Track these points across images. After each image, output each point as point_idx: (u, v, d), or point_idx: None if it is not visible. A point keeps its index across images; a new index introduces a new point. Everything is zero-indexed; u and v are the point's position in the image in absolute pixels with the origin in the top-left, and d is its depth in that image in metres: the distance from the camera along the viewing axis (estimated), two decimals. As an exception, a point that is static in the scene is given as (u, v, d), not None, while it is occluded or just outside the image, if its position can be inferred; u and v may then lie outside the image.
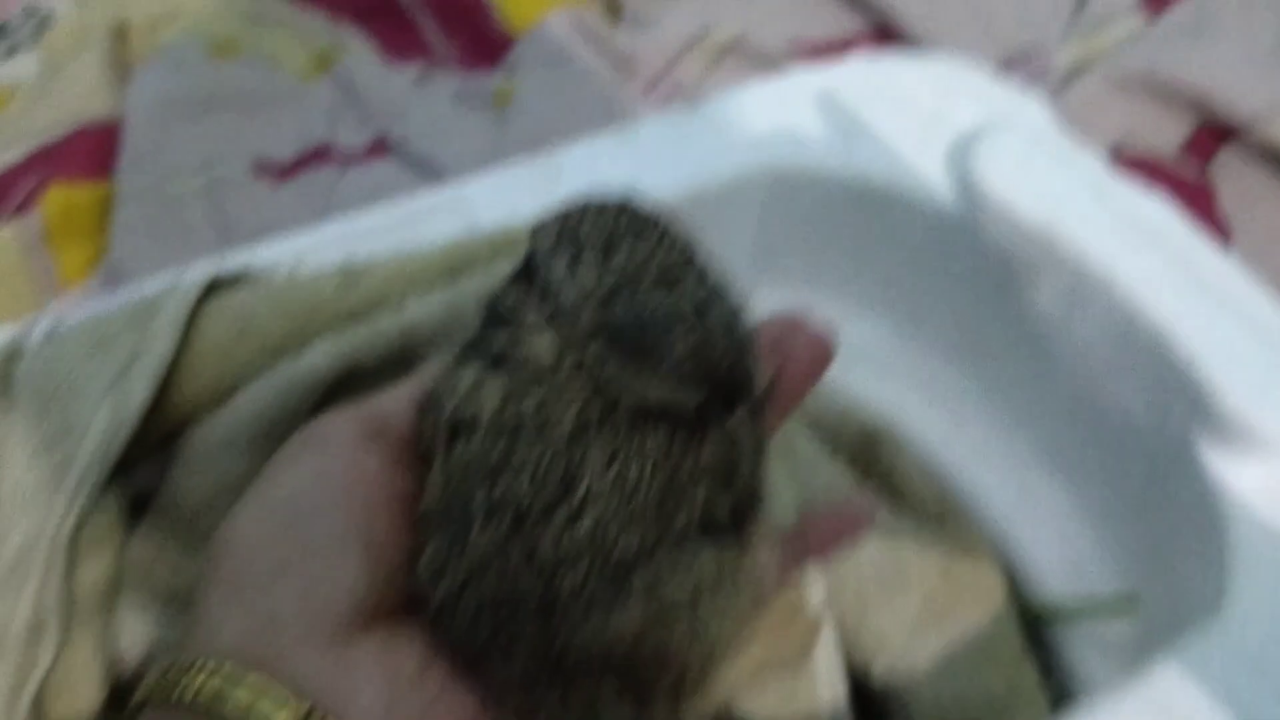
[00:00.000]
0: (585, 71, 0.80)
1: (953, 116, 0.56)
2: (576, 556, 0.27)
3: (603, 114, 0.76)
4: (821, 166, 0.54)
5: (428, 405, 0.30)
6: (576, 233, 0.30)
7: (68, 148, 0.75)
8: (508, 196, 0.52)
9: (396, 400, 0.31)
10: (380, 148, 0.77)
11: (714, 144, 0.55)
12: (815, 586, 0.44)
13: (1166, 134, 0.74)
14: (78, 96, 0.78)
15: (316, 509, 0.28)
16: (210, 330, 0.38)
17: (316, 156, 0.76)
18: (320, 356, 0.37)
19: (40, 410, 0.38)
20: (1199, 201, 0.71)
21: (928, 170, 0.54)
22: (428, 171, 0.73)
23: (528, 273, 0.30)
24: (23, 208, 0.72)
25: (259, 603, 0.27)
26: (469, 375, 0.29)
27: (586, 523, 0.27)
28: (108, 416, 0.38)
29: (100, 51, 0.81)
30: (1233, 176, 0.73)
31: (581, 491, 0.27)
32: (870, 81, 0.57)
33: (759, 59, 0.80)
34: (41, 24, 0.94)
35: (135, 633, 0.38)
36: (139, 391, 0.38)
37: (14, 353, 0.41)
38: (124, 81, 0.80)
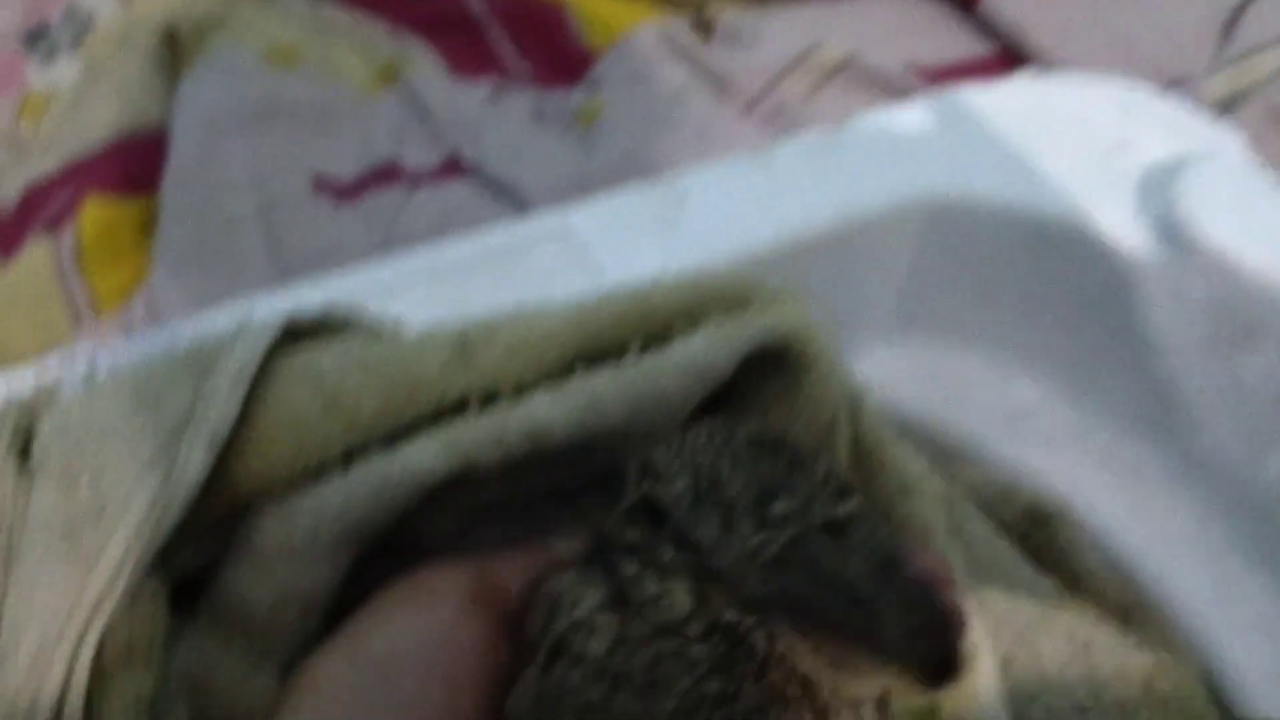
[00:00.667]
0: (678, 90, 0.72)
1: (1139, 147, 0.48)
2: None
3: (698, 137, 0.68)
4: (986, 199, 0.46)
5: (540, 602, 0.27)
6: (715, 475, 0.26)
7: (107, 159, 0.68)
8: (624, 230, 0.44)
9: (513, 569, 0.30)
10: (452, 168, 0.70)
11: (861, 172, 0.47)
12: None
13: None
14: (120, 104, 0.70)
15: (412, 672, 0.27)
16: (285, 395, 0.30)
17: (383, 176, 0.69)
18: (430, 455, 0.29)
19: (68, 482, 0.30)
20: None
21: (1114, 207, 0.46)
22: (506, 195, 0.65)
23: (649, 513, 0.26)
24: (56, 224, 0.65)
25: None
26: (589, 600, 0.26)
27: None
28: (151, 494, 0.30)
29: (146, 56, 0.74)
30: None
31: None
32: (1041, 104, 0.49)
33: (872, 82, 0.72)
34: (83, 27, 0.87)
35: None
36: (194, 464, 0.30)
37: (38, 405, 0.33)
38: (171, 89, 0.73)
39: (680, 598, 0.25)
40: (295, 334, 0.34)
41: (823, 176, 0.47)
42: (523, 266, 0.42)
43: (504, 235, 0.43)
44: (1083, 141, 0.48)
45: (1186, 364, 0.45)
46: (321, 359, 0.31)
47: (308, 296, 0.41)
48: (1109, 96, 0.50)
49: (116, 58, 0.75)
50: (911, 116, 0.49)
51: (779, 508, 0.25)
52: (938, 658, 0.23)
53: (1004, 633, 0.40)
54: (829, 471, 0.27)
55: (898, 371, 0.50)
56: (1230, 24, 0.73)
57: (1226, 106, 0.69)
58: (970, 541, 0.42)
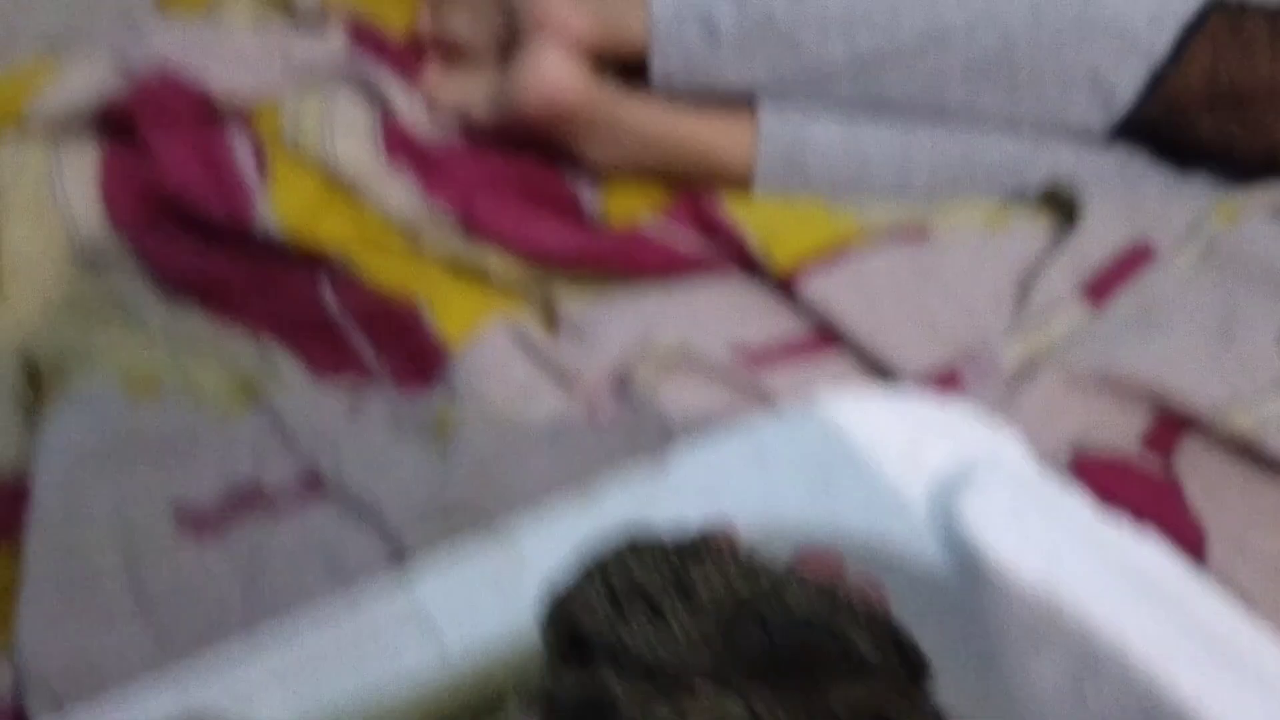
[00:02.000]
0: (527, 389, 0.77)
1: (927, 461, 0.54)
2: None
3: (551, 445, 0.72)
4: (798, 530, 0.51)
5: None
6: (630, 582, 0.29)
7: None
8: (467, 596, 0.47)
9: None
10: (313, 484, 0.73)
11: (682, 511, 0.51)
12: None
13: (1125, 429, 0.73)
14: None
15: None
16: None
17: (244, 502, 0.71)
18: None
19: None
20: (1169, 500, 0.70)
21: (909, 522, 0.51)
22: (367, 518, 0.68)
23: (577, 652, 0.29)
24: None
25: None
26: None
27: None
28: None
29: (6, 397, 0.76)
30: (1198, 468, 0.72)
31: None
32: (838, 427, 0.55)
33: (707, 368, 0.78)
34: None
35: None
36: None
37: None
38: (31, 428, 0.75)
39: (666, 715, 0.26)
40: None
41: (650, 512, 0.51)
42: (373, 647, 0.45)
43: (352, 619, 0.46)
44: (871, 464, 0.54)
45: (987, 674, 0.49)
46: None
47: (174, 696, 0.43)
48: (895, 415, 0.56)
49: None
50: (725, 450, 0.54)
51: (701, 590, 0.28)
52: (910, 655, 0.26)
53: None
54: (721, 546, 0.30)
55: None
56: (1021, 294, 0.81)
57: (1023, 373, 0.76)
58: None
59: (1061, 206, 0.90)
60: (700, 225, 0.89)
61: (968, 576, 0.49)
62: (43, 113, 1.04)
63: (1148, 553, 0.50)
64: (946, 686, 0.51)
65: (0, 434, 0.74)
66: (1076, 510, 0.52)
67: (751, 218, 0.87)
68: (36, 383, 0.79)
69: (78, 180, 1.02)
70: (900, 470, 0.53)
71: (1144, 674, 0.45)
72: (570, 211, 1.03)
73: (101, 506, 0.69)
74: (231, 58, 1.09)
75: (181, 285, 0.94)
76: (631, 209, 0.99)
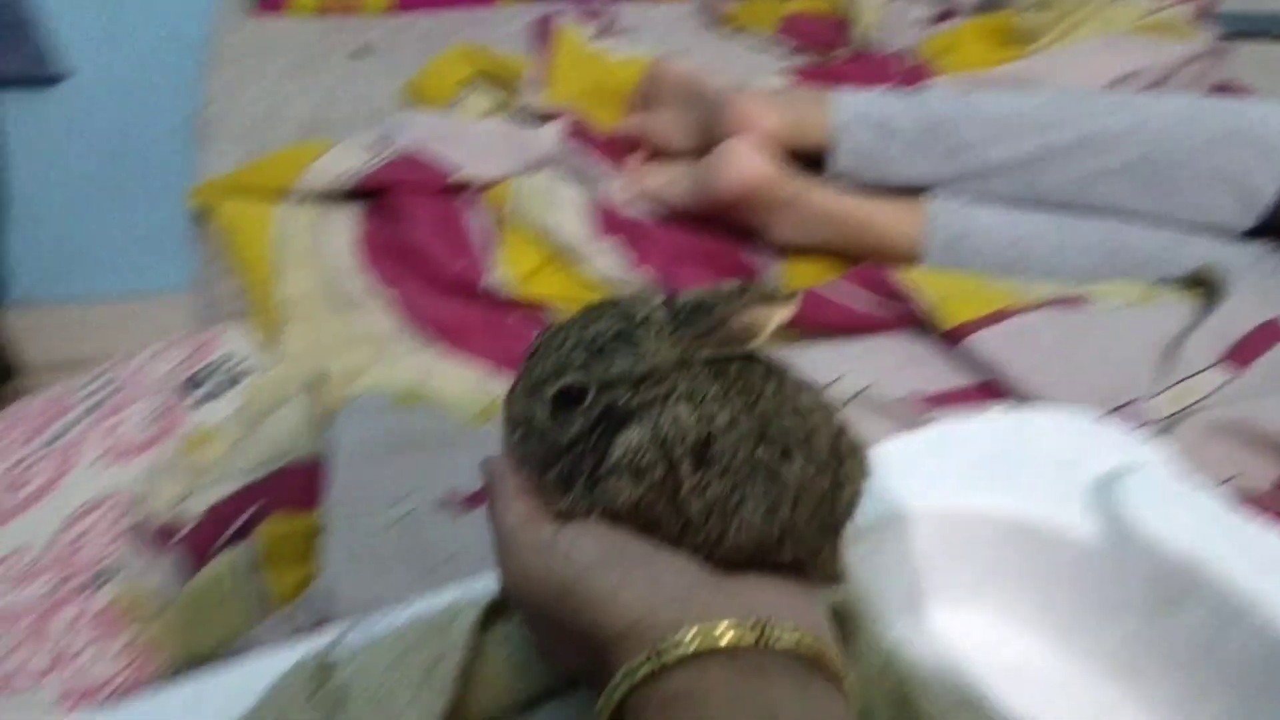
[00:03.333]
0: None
1: (1088, 462, 0.65)
2: None
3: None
4: (980, 504, 0.62)
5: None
6: (592, 334, 0.45)
7: (278, 483, 0.85)
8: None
9: None
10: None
11: (882, 486, 0.63)
12: None
13: (1260, 473, 0.82)
14: (283, 439, 0.88)
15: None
16: (492, 652, 0.46)
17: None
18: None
19: (371, 704, 0.45)
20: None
21: (1070, 509, 0.62)
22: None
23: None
24: (238, 537, 0.81)
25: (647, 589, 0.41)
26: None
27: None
28: (419, 711, 0.45)
29: (300, 402, 0.93)
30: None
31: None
32: (1013, 432, 0.66)
33: (878, 409, 0.90)
34: (235, 376, 1.07)
35: None
36: (443, 692, 0.45)
37: (326, 666, 0.49)
38: (322, 427, 0.91)
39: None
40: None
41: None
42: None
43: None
44: (1044, 459, 0.65)
45: (1134, 626, 0.59)
46: (510, 629, 0.47)
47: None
48: (1064, 424, 0.67)
49: (272, 405, 0.94)
50: (914, 442, 0.66)
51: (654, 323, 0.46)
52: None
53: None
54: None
55: (917, 637, 0.64)
56: (1169, 356, 0.91)
57: (1171, 423, 0.86)
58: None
59: (1204, 288, 1.00)
60: (872, 288, 1.01)
61: (1123, 546, 0.59)
62: (312, 183, 1.24)
63: (1275, 537, 0.59)
64: (1100, 634, 0.61)
65: (300, 432, 0.90)
66: (1218, 503, 0.62)
67: (922, 283, 0.99)
68: (318, 396, 0.96)
69: (339, 238, 1.21)
70: (1067, 460, 0.64)
71: (1272, 624, 0.55)
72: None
73: (381, 486, 0.84)
74: (470, 145, 1.28)
75: (423, 326, 1.11)
76: (808, 282, 1.12)
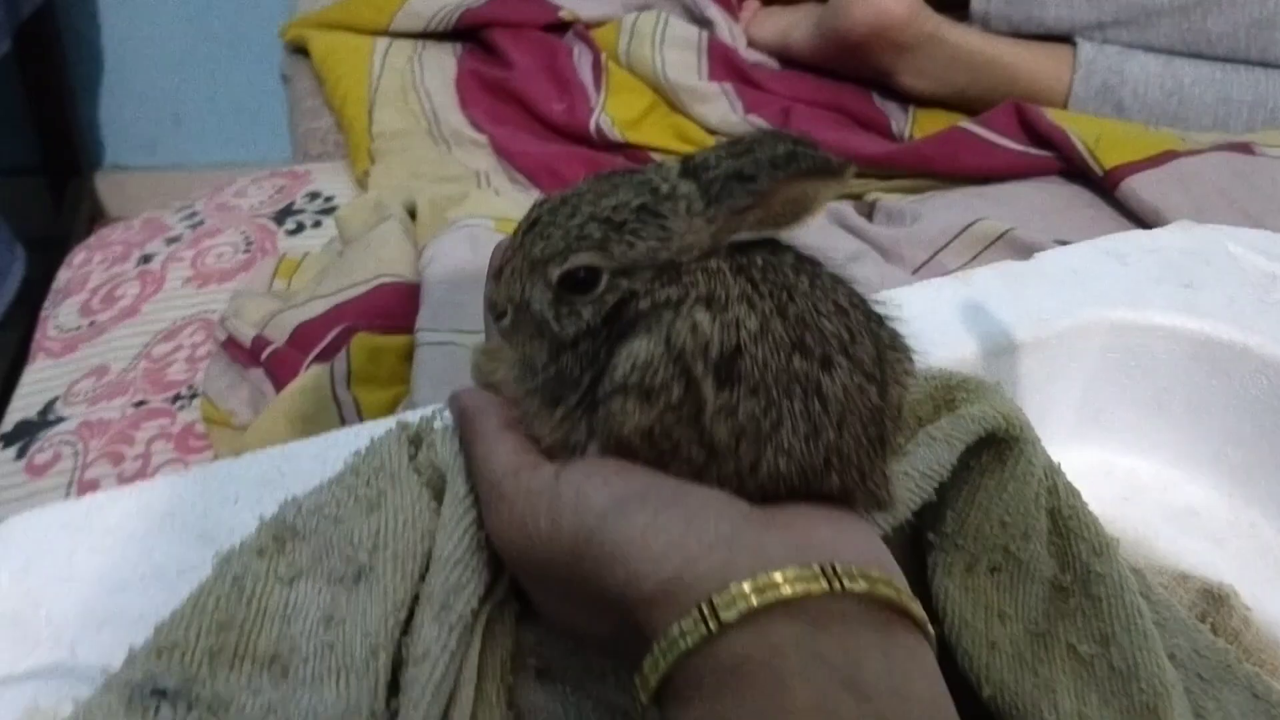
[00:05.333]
0: (852, 254, 0.83)
1: (1285, 281, 0.56)
2: None
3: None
4: (1162, 319, 0.55)
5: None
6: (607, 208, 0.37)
7: (368, 303, 0.80)
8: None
9: None
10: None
11: (1047, 294, 0.56)
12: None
13: None
14: (376, 260, 0.83)
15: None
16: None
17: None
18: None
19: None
20: None
21: (1269, 329, 0.54)
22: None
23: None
24: (327, 355, 0.76)
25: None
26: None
27: None
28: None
29: (393, 224, 0.87)
30: None
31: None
32: (1204, 243, 0.58)
33: (1027, 252, 0.81)
34: (327, 210, 1.02)
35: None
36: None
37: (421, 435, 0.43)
38: (410, 250, 0.86)
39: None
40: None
41: (1016, 297, 0.56)
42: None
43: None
44: (1235, 275, 0.57)
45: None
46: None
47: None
48: (1255, 240, 0.59)
49: (368, 226, 0.88)
50: (1087, 251, 0.58)
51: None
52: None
53: (1192, 682, 0.46)
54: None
55: (1074, 471, 0.57)
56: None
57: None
58: (1156, 603, 0.48)
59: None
60: (1020, 128, 0.92)
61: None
62: (409, 21, 1.18)
63: None
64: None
65: (395, 253, 0.85)
66: None
67: (1075, 126, 0.89)
68: (416, 219, 0.90)
69: (436, 77, 1.15)
70: (1261, 285, 0.56)
71: None
72: (881, 133, 1.08)
73: (475, 309, 0.78)
74: (575, -19, 1.20)
75: (522, 167, 1.05)
76: (939, 136, 1.03)
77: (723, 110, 1.09)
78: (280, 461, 0.46)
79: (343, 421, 0.72)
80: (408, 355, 0.75)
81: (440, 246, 0.83)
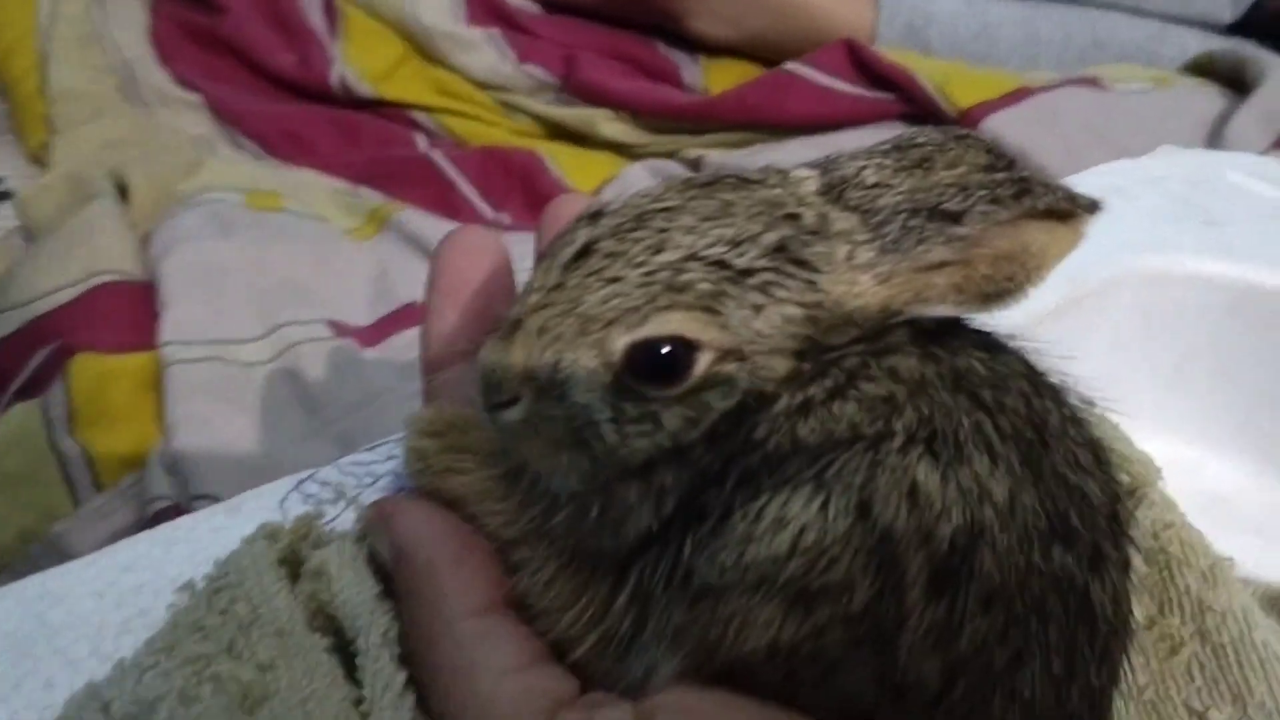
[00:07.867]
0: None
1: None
2: None
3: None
4: (1196, 266, 0.44)
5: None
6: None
7: (84, 312, 0.58)
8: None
9: None
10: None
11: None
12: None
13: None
14: (91, 254, 0.61)
15: None
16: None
17: (401, 319, 0.62)
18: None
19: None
20: None
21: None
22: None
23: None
24: (33, 387, 0.53)
25: None
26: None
27: None
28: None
29: (103, 209, 0.65)
30: None
31: None
32: (1201, 171, 0.49)
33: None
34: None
35: None
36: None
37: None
38: (132, 237, 0.64)
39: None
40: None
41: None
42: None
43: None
44: (1249, 208, 0.48)
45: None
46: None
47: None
48: (1251, 166, 0.50)
49: (66, 210, 0.65)
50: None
51: None
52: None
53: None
54: None
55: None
56: (1214, 139, 0.77)
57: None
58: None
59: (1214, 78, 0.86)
60: (854, 71, 0.82)
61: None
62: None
63: None
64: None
65: (121, 242, 0.62)
66: None
67: (917, 64, 0.80)
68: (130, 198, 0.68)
69: (125, 24, 0.91)
70: (1273, 206, 0.47)
71: None
72: (673, 84, 0.95)
73: (247, 313, 0.58)
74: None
75: (248, 130, 0.84)
76: (732, 85, 0.91)
77: (490, 60, 0.92)
78: (37, 599, 0.27)
79: (69, 484, 0.50)
80: (153, 381, 0.54)
81: (174, 230, 0.62)
